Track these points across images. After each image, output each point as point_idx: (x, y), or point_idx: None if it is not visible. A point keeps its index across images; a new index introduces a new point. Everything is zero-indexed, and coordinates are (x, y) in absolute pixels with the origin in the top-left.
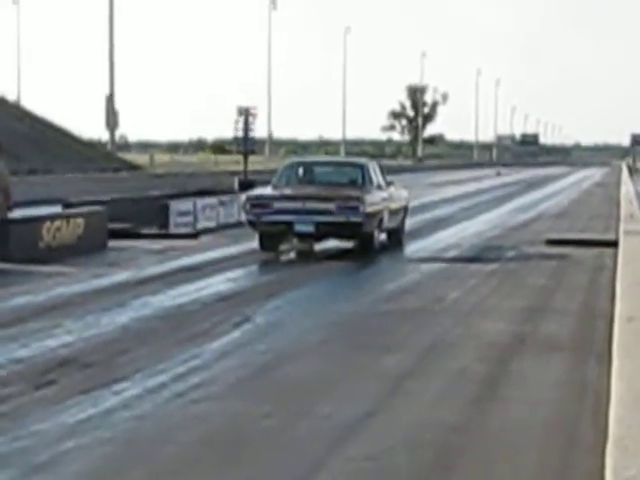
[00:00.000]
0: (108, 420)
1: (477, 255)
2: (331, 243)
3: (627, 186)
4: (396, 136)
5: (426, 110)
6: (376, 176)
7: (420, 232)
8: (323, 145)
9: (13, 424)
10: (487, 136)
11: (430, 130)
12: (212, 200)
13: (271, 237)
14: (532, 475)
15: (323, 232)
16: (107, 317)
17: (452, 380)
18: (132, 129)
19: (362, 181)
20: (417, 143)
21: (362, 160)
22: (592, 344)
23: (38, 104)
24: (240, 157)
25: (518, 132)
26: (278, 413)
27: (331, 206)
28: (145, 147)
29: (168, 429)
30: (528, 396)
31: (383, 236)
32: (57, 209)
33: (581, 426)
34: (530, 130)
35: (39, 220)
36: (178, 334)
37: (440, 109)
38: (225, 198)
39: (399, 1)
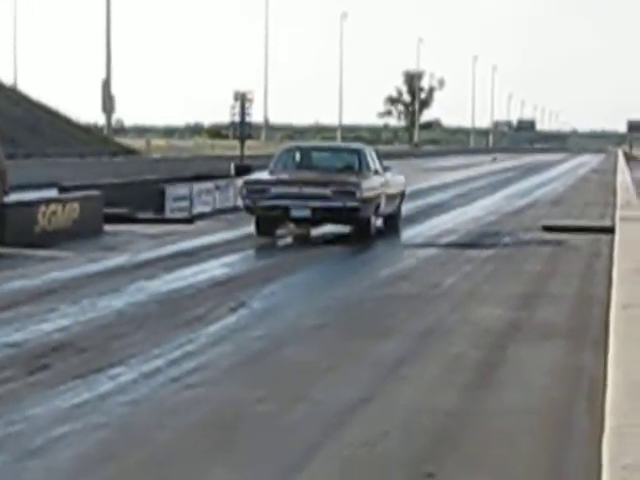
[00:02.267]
0: (103, 405)
1: (473, 241)
2: (328, 228)
3: (624, 174)
4: (393, 122)
5: (423, 96)
6: (373, 162)
7: (416, 218)
8: (319, 131)
9: (7, 408)
10: (484, 122)
11: (427, 116)
12: (208, 185)
13: (268, 222)
14: (528, 462)
15: (319, 217)
16: (102, 301)
17: (448, 366)
18: (129, 113)
19: (359, 166)
20: (414, 129)
21: (359, 145)
22: (588, 331)
23: (34, 88)
24: (236, 142)
25: (515, 118)
26: (273, 398)
27: (328, 191)
28: (141, 131)
29: (163, 414)
30: (524, 382)
31: (379, 222)
32: (53, 193)
33: (577, 413)
34: (527, 116)
35: (35, 204)
36: (173, 319)
37: (437, 95)
38: (221, 183)
39: None
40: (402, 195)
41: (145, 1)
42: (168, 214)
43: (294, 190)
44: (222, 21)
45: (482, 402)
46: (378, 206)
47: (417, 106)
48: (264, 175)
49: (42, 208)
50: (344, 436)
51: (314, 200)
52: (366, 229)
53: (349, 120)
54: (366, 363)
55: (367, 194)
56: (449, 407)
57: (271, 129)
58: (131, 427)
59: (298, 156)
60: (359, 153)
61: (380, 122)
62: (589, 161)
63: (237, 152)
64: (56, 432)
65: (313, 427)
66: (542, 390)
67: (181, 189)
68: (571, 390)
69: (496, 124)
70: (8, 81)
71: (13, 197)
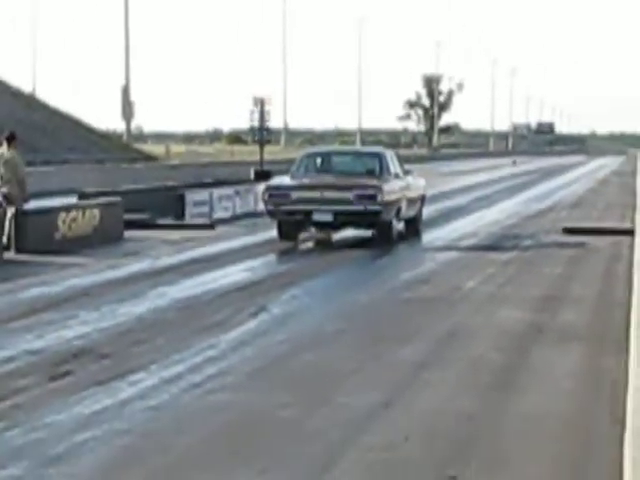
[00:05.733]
0: (124, 411)
1: (494, 244)
2: (349, 232)
3: None
4: (412, 125)
5: (442, 99)
6: (394, 165)
7: (437, 221)
8: (339, 135)
9: (28, 416)
10: (503, 125)
11: (446, 119)
12: (228, 190)
13: (290, 226)
14: (549, 465)
15: (341, 221)
16: (123, 308)
17: (469, 369)
18: (148, 120)
19: (380, 170)
20: (433, 132)
21: (380, 149)
22: (609, 333)
23: (54, 95)
24: (256, 147)
25: (534, 121)
26: (295, 403)
27: (349, 195)
28: (161, 138)
29: (184, 420)
30: (545, 386)
31: (401, 225)
32: (73, 200)
33: (599, 416)
34: (546, 119)
35: (55, 211)
36: (194, 324)
37: (456, 98)
38: (241, 188)
39: None
40: (423, 198)
41: (164, 6)
42: (188, 220)
43: (316, 194)
44: (242, 25)
45: (503, 405)
46: (399, 210)
47: (436, 110)
48: (286, 180)
49: (62, 215)
50: (366, 440)
51: (336, 204)
52: (388, 233)
53: (368, 124)
54: (388, 367)
55: (388, 198)
56: (470, 410)
57: (290, 134)
58: (153, 433)
59: (319, 161)
60: (380, 157)
61: (399, 126)
62: (609, 164)
63: (257, 157)
64: (77, 439)
65: (335, 432)
66: (564, 393)
67: (201, 195)
68: (593, 393)
69: (515, 127)
70: (27, 88)
71: (33, 204)
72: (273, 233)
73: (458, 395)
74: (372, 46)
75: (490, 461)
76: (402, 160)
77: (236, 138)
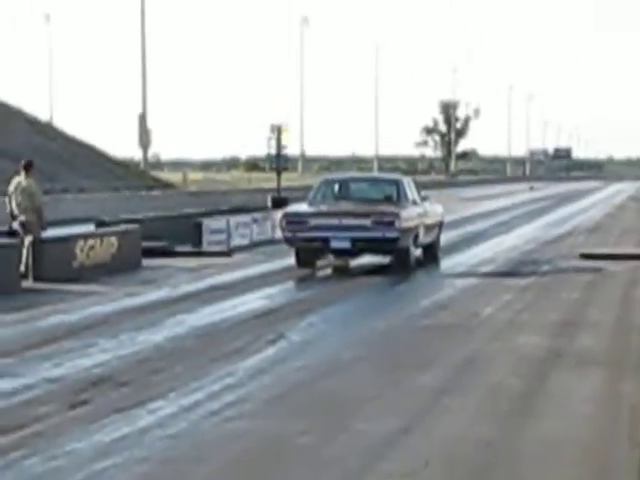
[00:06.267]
0: (143, 439)
1: (512, 270)
2: (367, 259)
3: None
4: (429, 152)
5: (458, 125)
6: (411, 192)
7: (456, 247)
8: (356, 162)
9: (48, 443)
10: (520, 151)
11: (463, 145)
12: (245, 218)
13: (308, 253)
14: None
15: (359, 248)
16: (141, 336)
17: (488, 395)
18: (165, 147)
19: (397, 197)
20: (450, 158)
21: (397, 176)
22: (628, 358)
23: (71, 124)
24: (273, 174)
25: (551, 146)
26: (314, 430)
27: (367, 222)
28: (178, 165)
29: (203, 448)
30: (564, 411)
31: (419, 251)
32: (90, 228)
33: (618, 441)
34: (562, 144)
35: (73, 239)
36: (212, 352)
37: (472, 124)
38: (258, 215)
39: (430, 17)
40: (440, 225)
41: (181, 36)
42: (206, 247)
43: (334, 221)
44: (258, 54)
45: (522, 431)
46: (417, 236)
47: (453, 136)
48: (303, 207)
49: (80, 243)
50: (386, 467)
51: (354, 231)
52: (405, 259)
53: (385, 151)
54: (406, 394)
55: (406, 224)
56: (489, 437)
57: (307, 161)
58: (171, 461)
59: (337, 187)
60: (397, 183)
61: (416, 152)
62: (625, 189)
63: (274, 184)
64: (97, 467)
65: (354, 459)
66: (582, 418)
67: (218, 222)
68: (612, 418)
69: (532, 153)
70: (44, 117)
71: (51, 232)
72: (291, 260)
73: (477, 421)
74: (388, 72)
75: None
76: (420, 186)
77: (254, 165)
